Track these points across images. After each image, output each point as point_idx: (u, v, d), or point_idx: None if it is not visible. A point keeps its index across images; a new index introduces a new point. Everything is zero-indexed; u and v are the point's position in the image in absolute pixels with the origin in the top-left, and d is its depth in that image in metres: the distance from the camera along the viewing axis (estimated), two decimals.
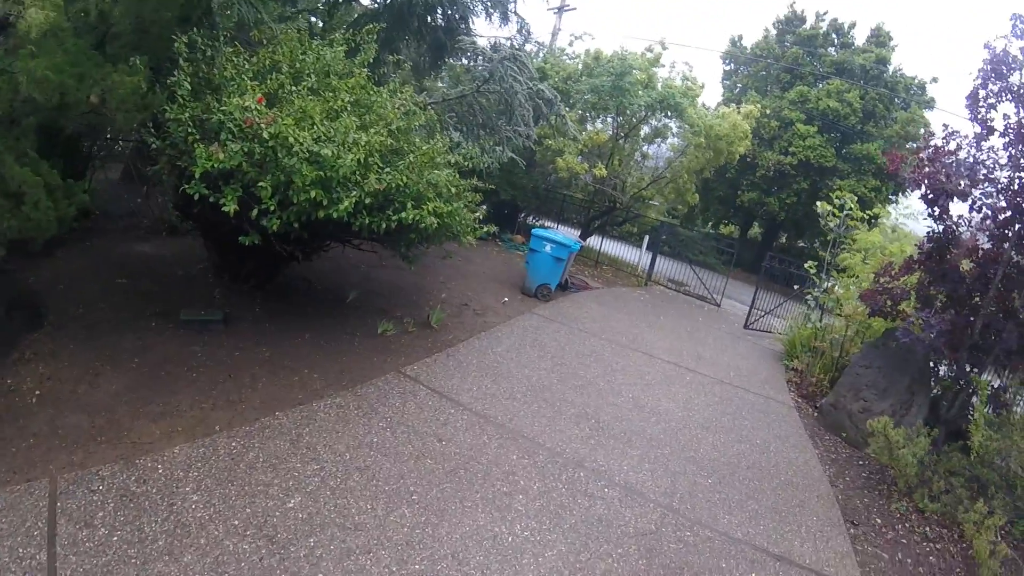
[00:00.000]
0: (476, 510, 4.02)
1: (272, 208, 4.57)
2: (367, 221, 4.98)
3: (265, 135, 4.45)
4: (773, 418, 7.23)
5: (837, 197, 10.33)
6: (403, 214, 5.11)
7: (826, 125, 21.57)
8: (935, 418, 7.15)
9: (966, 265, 6.31)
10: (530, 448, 4.97)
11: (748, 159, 19.94)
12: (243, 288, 6.53)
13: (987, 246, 6.32)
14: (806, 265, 10.76)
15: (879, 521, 5.29)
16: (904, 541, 5.01)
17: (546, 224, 17.31)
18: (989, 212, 6.27)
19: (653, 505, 4.65)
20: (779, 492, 5.37)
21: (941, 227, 6.69)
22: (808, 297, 10.11)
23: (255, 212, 4.63)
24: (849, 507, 5.43)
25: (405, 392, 5.38)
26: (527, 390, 6.04)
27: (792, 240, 25.17)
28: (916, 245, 7.22)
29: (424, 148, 5.71)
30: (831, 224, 10.35)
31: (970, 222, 6.49)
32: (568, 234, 14.82)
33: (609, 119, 14.59)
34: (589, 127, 14.30)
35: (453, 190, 5.96)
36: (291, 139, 4.49)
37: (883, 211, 11.89)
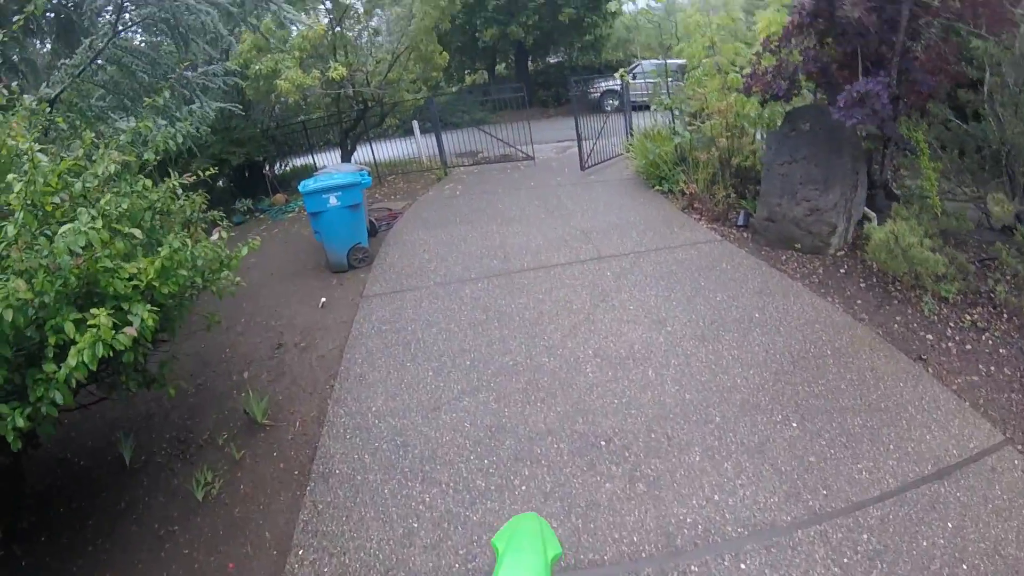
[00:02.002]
0: None
1: None
2: (18, 420, 2.04)
3: None
4: (726, 270, 5.62)
5: None
6: (81, 354, 2.29)
7: None
8: (871, 186, 6.13)
9: (854, 13, 5.02)
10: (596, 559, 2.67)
11: None
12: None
13: None
14: (618, 73, 9.00)
15: (931, 337, 4.36)
16: (968, 347, 4.23)
17: (296, 165, 13.70)
18: None
19: (803, 509, 2.80)
20: (842, 374, 4.00)
21: None
22: (653, 106, 8.42)
23: None
24: (899, 338, 4.38)
25: None
26: (486, 462, 3.51)
27: (541, 61, 23.64)
28: (794, 6, 5.76)
29: (24, 186, 2.54)
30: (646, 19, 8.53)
31: None
32: (333, 164, 11.62)
33: (321, 8, 10.97)
34: (295, 30, 10.49)
35: (148, 219, 2.98)
36: None
37: None
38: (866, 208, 6.05)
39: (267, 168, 12.14)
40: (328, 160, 13.20)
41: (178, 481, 3.78)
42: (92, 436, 4.38)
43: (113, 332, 2.38)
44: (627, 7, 11.53)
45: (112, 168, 3.07)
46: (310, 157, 13.71)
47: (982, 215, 5.55)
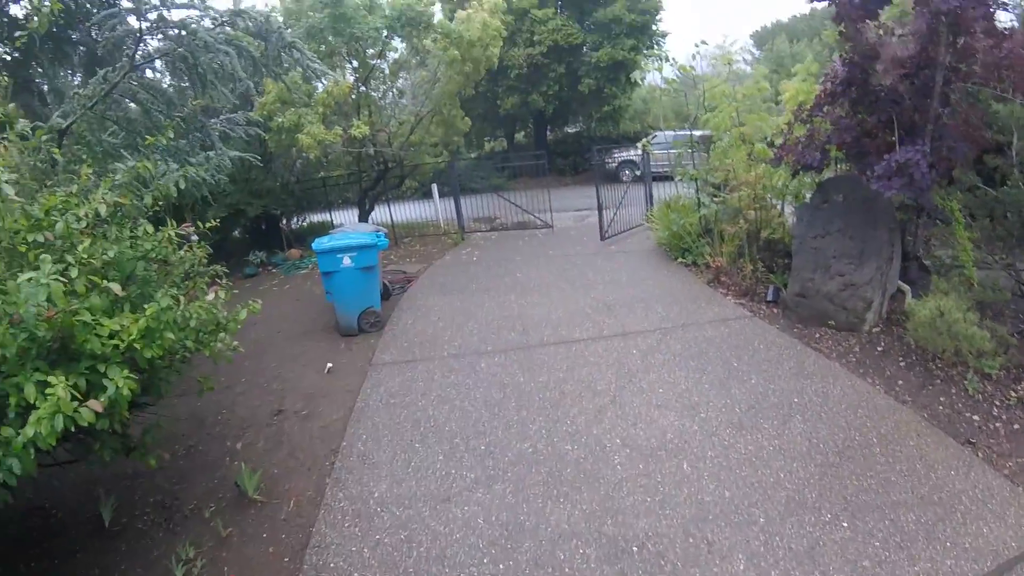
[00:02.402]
0: None
1: None
2: None
3: None
4: (759, 350, 5.28)
5: (653, 55, 8.54)
6: (40, 424, 2.07)
7: (561, 2, 19.84)
8: (904, 258, 5.87)
9: (887, 80, 4.88)
10: None
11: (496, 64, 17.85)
12: None
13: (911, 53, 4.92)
14: (641, 143, 8.96)
15: (977, 418, 4.09)
16: (1016, 426, 3.99)
17: (313, 220, 13.67)
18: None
19: None
20: (891, 464, 3.66)
21: (853, 46, 5.21)
22: (678, 177, 8.29)
23: None
24: (945, 421, 4.08)
25: None
26: (501, 567, 3.11)
27: (559, 131, 24.06)
28: (825, 74, 5.68)
29: None
30: (670, 88, 8.56)
31: (891, 31, 4.96)
32: (350, 223, 11.54)
33: (348, 67, 11.17)
34: (320, 86, 10.64)
35: (140, 270, 2.77)
36: None
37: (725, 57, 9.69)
38: (900, 281, 5.77)
39: (284, 222, 12.11)
40: (346, 218, 13.18)
41: (158, 552, 3.44)
42: (73, 488, 4.09)
43: (75, 404, 2.09)
44: (648, 77, 11.72)
45: (102, 210, 2.84)
46: (328, 214, 13.71)
47: (1015, 283, 5.32)
